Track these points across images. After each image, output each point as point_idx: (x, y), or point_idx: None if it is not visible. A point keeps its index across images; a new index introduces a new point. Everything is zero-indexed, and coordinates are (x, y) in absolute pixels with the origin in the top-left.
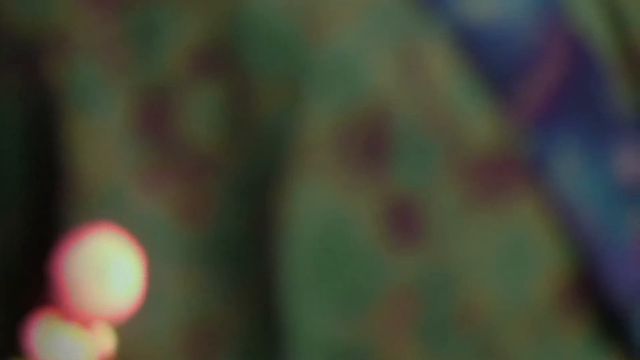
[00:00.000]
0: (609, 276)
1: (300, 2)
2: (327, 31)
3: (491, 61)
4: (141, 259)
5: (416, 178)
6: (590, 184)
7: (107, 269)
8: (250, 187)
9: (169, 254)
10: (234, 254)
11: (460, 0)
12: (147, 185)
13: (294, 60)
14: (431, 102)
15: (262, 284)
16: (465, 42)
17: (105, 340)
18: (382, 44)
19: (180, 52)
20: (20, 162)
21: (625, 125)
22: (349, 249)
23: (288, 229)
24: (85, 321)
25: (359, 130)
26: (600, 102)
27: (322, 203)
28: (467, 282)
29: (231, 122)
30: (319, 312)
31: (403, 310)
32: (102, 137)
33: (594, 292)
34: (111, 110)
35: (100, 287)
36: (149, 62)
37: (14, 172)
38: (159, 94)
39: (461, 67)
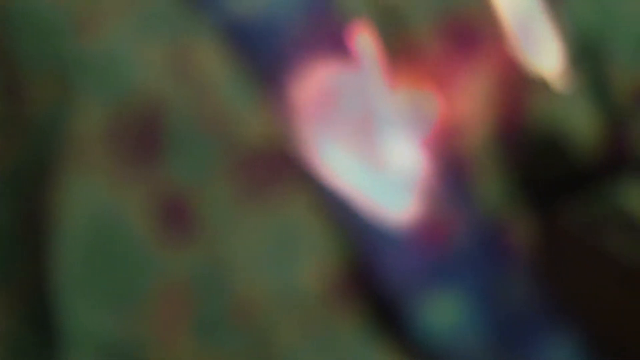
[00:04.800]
0: (382, 268)
1: None
2: (96, 28)
3: (260, 56)
4: None
5: (188, 173)
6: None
7: None
8: (21, 183)
9: None
10: (5, 250)
11: None
12: None
13: (64, 56)
14: (202, 98)
15: (35, 281)
16: (234, 38)
17: None
18: (151, 41)
19: None
20: None
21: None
22: (121, 245)
23: (59, 225)
24: None
25: (130, 126)
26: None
27: (93, 199)
28: (240, 277)
29: (1, 117)
30: (91, 309)
31: (176, 306)
32: None
33: (367, 284)
34: None
35: None
36: None
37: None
38: None
39: (231, 62)
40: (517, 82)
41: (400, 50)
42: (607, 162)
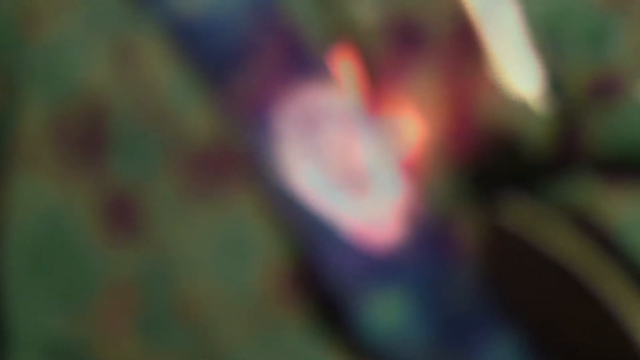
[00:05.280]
0: (327, 267)
1: None
2: (40, 25)
3: (205, 54)
4: None
5: (134, 172)
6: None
7: None
8: None
9: None
10: None
11: None
12: None
13: (7, 53)
14: (147, 97)
15: None
16: (179, 35)
17: None
18: (96, 39)
19: None
20: None
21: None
22: (67, 244)
23: (6, 225)
24: None
25: (75, 124)
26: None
27: (39, 198)
28: (186, 276)
29: None
30: (38, 308)
31: (122, 305)
32: None
33: (312, 283)
34: None
35: None
36: None
37: None
38: None
39: (176, 60)
40: (467, 79)
41: (347, 46)
42: (559, 158)
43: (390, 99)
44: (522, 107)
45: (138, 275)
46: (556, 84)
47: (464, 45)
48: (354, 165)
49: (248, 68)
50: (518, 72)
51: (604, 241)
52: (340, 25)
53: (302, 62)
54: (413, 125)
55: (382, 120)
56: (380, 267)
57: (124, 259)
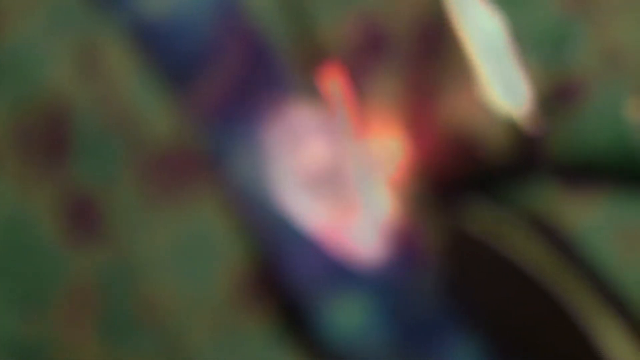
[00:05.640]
0: (289, 270)
1: None
2: (3, 25)
3: (168, 57)
4: None
5: (96, 174)
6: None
7: None
8: None
9: None
10: None
11: None
12: None
13: None
14: (109, 98)
15: None
16: (142, 38)
17: None
18: (58, 41)
19: None
20: None
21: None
22: (29, 246)
23: None
24: None
25: (37, 126)
26: (276, 97)
27: (1, 200)
28: (147, 278)
29: None
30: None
31: (83, 307)
32: None
33: (275, 286)
34: None
35: None
36: None
37: None
38: None
39: (139, 62)
40: (431, 83)
41: (309, 55)
42: (522, 163)
43: (368, 112)
44: (486, 111)
45: (100, 277)
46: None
47: (428, 48)
48: (329, 169)
49: (211, 70)
50: (497, 82)
51: (565, 246)
52: (304, 28)
53: (265, 66)
54: (398, 144)
55: (367, 138)
56: (342, 270)
57: (85, 260)
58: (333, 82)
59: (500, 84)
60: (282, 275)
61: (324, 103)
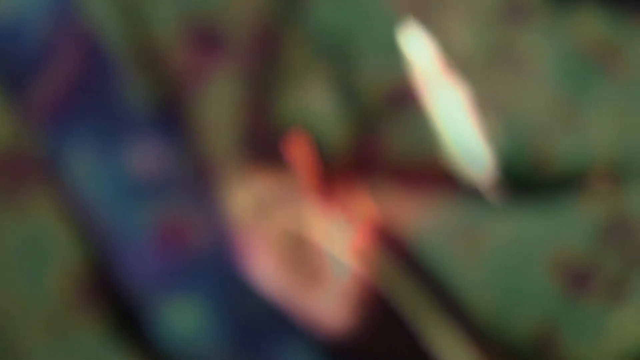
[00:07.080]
0: (124, 273)
1: None
2: None
3: (3, 59)
4: None
5: None
6: (103, 181)
7: None
8: None
9: None
10: None
11: None
12: None
13: None
14: None
15: None
16: None
17: None
18: None
19: None
20: None
21: (139, 122)
22: None
23: None
24: None
25: None
26: (113, 100)
27: None
28: None
29: None
30: None
31: None
32: None
33: (110, 289)
34: None
35: None
36: None
37: None
38: None
39: None
40: (264, 84)
41: (145, 57)
42: (357, 165)
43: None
44: (320, 115)
45: None
46: (350, 92)
47: (264, 50)
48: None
49: (46, 74)
50: (460, 148)
51: (402, 251)
52: (139, 29)
53: (100, 68)
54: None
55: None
56: (176, 273)
57: None
58: (297, 148)
59: (464, 150)
60: (118, 278)
61: (161, 102)
